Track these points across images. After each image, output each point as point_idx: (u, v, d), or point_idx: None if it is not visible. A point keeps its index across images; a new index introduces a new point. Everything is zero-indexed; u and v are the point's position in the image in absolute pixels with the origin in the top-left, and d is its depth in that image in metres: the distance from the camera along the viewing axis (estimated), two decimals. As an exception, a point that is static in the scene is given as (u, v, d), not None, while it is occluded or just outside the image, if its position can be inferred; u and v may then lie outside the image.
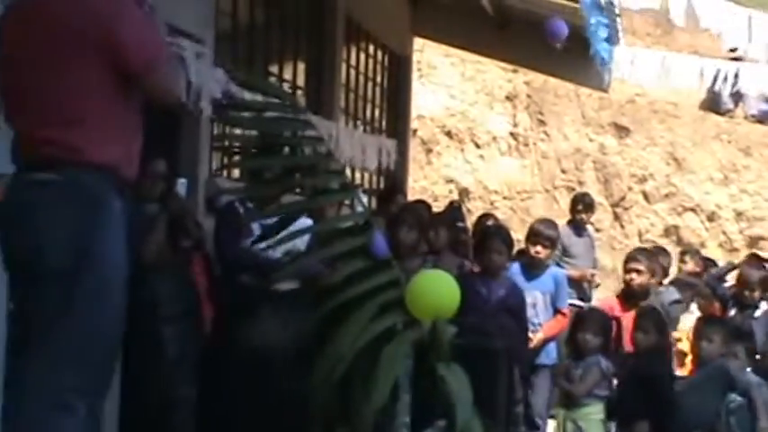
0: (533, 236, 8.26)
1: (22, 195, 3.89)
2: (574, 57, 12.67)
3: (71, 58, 3.82)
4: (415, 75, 16.31)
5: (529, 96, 20.03)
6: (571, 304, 8.64)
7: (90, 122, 3.85)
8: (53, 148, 3.83)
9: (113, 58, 3.81)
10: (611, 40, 11.76)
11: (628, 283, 8.13)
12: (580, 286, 10.26)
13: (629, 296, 8.10)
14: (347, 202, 7.16)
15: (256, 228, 7.04)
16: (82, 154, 3.82)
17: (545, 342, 8.06)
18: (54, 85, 3.85)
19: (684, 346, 8.31)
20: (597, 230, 15.96)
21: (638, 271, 8.06)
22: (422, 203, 10.04)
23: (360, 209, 4.55)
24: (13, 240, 3.88)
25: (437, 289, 4.16)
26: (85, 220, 3.81)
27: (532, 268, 8.17)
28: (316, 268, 5.69)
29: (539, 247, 8.17)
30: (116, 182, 3.91)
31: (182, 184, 7.04)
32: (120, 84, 3.86)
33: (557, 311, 8.16)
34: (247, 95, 7.90)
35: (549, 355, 8.15)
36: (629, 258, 8.28)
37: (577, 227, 10.77)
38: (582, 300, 10.01)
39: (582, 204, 11.01)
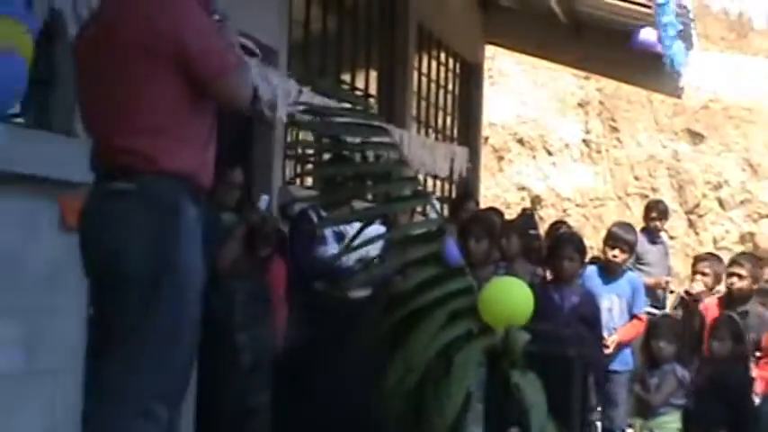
0: (611, 239, 8.19)
1: (100, 205, 3.95)
2: (647, 63, 12.60)
3: (141, 70, 3.87)
4: (486, 82, 16.28)
5: (601, 103, 19.91)
6: (645, 312, 8.56)
7: (163, 131, 3.89)
8: (128, 156, 3.88)
9: (181, 67, 3.85)
10: (685, 45, 11.66)
11: (729, 288, 7.98)
12: (654, 294, 10.19)
13: (729, 300, 7.96)
14: (419, 208, 7.19)
15: (329, 235, 7.08)
16: (157, 162, 3.87)
17: (620, 347, 7.98)
18: (127, 96, 3.91)
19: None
20: (671, 238, 15.80)
21: (739, 276, 7.91)
22: (494, 211, 10.02)
23: (433, 215, 4.55)
24: (93, 249, 3.94)
25: (510, 296, 4.14)
26: (162, 228, 3.85)
27: (609, 272, 8.10)
28: (388, 275, 5.70)
29: (616, 251, 8.10)
30: (191, 189, 3.95)
31: (264, 200, 7.10)
32: (191, 92, 3.91)
33: (633, 317, 8.09)
34: (320, 101, 7.98)
35: (624, 362, 8.08)
36: (732, 262, 8.10)
37: (651, 234, 10.69)
38: (656, 307, 9.93)
39: (656, 211, 10.92)
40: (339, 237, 6.99)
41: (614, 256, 8.07)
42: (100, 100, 4.02)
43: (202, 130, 4.02)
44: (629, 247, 8.23)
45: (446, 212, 11.08)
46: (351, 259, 6.73)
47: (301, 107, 5.37)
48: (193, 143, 3.97)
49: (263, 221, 6.94)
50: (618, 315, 7.98)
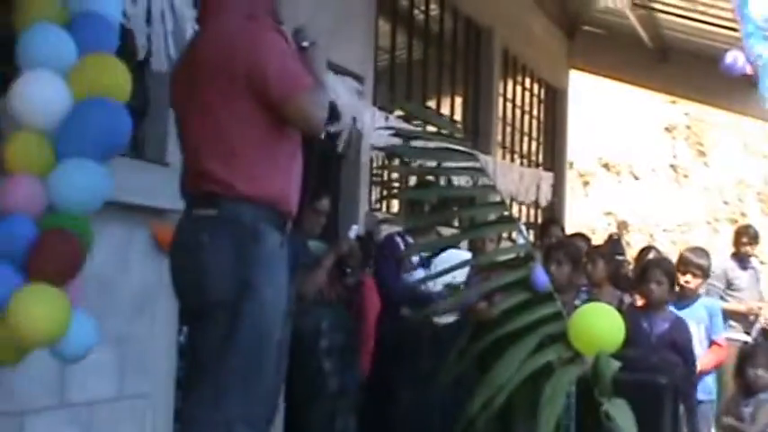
0: (683, 264, 8.06)
1: (185, 231, 4.00)
2: (735, 86, 12.46)
3: (219, 94, 3.93)
4: (571, 107, 16.21)
5: (688, 127, 19.72)
6: (735, 339, 8.41)
7: (243, 156, 3.93)
8: (210, 182, 3.93)
9: (257, 90, 3.89)
10: (775, 67, 11.50)
11: None
12: (746, 320, 10.02)
13: None
14: (506, 234, 7.17)
15: (415, 261, 7.09)
16: (235, 187, 3.90)
17: (701, 375, 7.85)
18: (207, 122, 3.97)
19: None
20: (762, 263, 15.56)
21: None
22: (580, 236, 9.95)
23: (521, 241, 4.54)
24: (181, 276, 3.99)
25: (601, 322, 4.12)
26: (241, 253, 3.88)
27: (683, 298, 7.99)
28: (474, 301, 5.69)
29: (688, 276, 7.96)
30: (273, 215, 3.98)
31: (353, 230, 7.16)
32: (268, 117, 3.93)
33: (711, 343, 7.96)
34: (407, 127, 8.01)
35: (707, 391, 7.93)
36: None
37: (742, 260, 10.52)
38: (748, 333, 9.76)
39: (746, 237, 10.74)
40: (425, 262, 6.99)
41: (686, 282, 7.95)
42: (187, 127, 4.09)
43: (282, 155, 4.03)
44: (702, 272, 8.09)
45: (532, 238, 11.03)
46: (437, 284, 6.74)
47: (388, 132, 5.36)
48: (273, 169, 3.99)
49: (351, 251, 7.00)
50: (697, 342, 7.85)
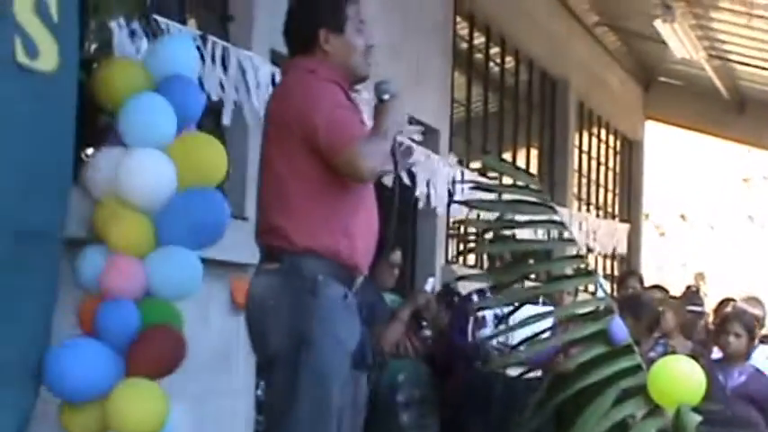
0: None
1: (255, 285, 4.05)
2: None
3: (280, 149, 3.97)
4: (646, 158, 16.14)
5: (766, 178, 19.51)
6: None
7: (302, 210, 3.95)
8: (276, 236, 3.97)
9: (309, 142, 3.92)
10: None
11: None
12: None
13: None
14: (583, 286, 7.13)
15: (491, 313, 7.08)
16: (298, 241, 3.92)
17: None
18: (272, 176, 4.02)
19: None
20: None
21: None
22: (658, 288, 9.87)
23: (600, 294, 4.51)
24: (251, 329, 4.03)
25: (682, 375, 4.08)
26: (302, 306, 3.89)
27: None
28: (551, 354, 5.65)
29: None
30: (336, 268, 3.99)
31: (429, 282, 7.16)
32: (325, 170, 3.93)
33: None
34: (483, 180, 8.03)
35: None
36: None
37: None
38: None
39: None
40: (502, 318, 6.99)
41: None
42: (260, 182, 4.15)
43: (344, 208, 4.03)
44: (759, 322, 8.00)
45: (609, 289, 10.95)
46: (513, 338, 6.72)
47: (467, 185, 5.38)
48: (334, 222, 3.99)
49: (428, 304, 6.99)
50: None
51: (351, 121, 4.01)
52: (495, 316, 7.07)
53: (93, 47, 4.66)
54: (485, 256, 7.67)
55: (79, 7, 3.93)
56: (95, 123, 4.64)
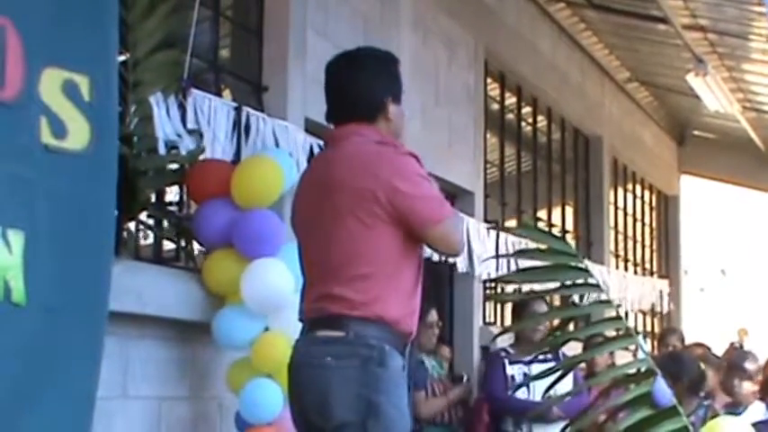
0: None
1: (308, 353, 4.01)
2: None
3: (360, 219, 3.95)
4: (684, 213, 16.06)
5: (806, 229, 19.37)
6: None
7: (377, 279, 3.95)
8: (338, 304, 3.95)
9: (399, 215, 3.93)
10: None
11: None
12: None
13: None
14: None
15: (520, 374, 7.20)
16: (365, 309, 3.92)
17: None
18: (347, 246, 3.99)
19: None
20: None
21: None
22: (700, 345, 9.78)
23: (641, 355, 4.46)
24: (305, 399, 3.99)
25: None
26: (369, 375, 3.89)
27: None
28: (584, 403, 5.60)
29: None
30: (396, 336, 3.99)
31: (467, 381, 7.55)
32: (405, 241, 3.97)
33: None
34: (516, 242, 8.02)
35: None
36: None
37: None
38: None
39: None
40: (527, 382, 7.10)
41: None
42: (314, 248, 4.12)
43: (410, 278, 4.06)
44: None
45: (650, 347, 10.86)
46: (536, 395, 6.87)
47: (509, 255, 5.40)
48: (401, 291, 4.01)
49: (470, 393, 7.47)
50: None
51: (440, 195, 4.09)
52: (524, 375, 7.13)
53: (135, 121, 4.72)
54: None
55: (120, 84, 3.99)
56: (137, 197, 4.70)
